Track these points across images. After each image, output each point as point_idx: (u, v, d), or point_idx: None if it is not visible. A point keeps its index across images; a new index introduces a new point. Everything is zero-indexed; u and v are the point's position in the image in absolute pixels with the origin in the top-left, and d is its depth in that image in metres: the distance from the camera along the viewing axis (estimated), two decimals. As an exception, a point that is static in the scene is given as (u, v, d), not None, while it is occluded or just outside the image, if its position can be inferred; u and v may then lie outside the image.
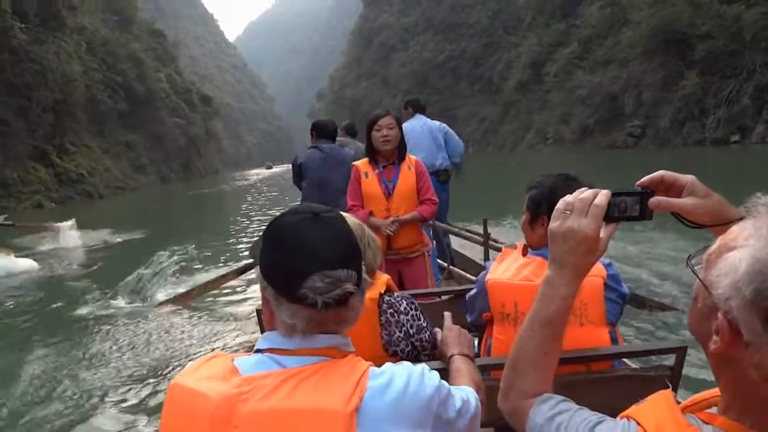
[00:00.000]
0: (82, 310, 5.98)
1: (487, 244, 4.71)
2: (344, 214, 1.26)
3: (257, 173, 66.36)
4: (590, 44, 47.53)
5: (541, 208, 1.65)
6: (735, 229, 0.69)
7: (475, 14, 76.57)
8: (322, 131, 4.62)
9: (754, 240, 0.63)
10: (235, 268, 5.96)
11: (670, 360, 1.59)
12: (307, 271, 0.88)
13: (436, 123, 5.19)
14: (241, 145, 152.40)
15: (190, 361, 4.11)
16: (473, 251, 5.26)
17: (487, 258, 4.63)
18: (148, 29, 64.29)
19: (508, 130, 61.12)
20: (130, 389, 3.82)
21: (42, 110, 28.54)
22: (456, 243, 5.36)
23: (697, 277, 0.71)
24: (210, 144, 76.94)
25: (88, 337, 5.08)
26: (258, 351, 0.95)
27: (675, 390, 1.49)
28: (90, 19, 45.73)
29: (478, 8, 75.56)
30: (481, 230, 4.98)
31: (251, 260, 4.78)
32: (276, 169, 69.20)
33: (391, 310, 1.55)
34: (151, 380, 3.95)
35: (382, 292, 1.57)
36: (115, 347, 4.73)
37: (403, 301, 1.59)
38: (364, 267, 1.00)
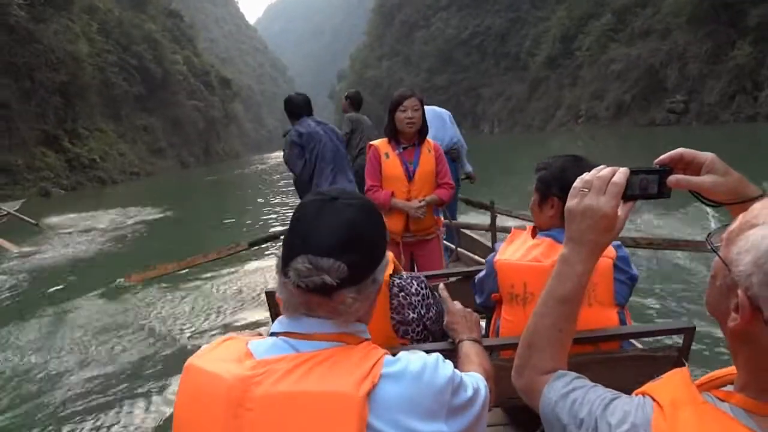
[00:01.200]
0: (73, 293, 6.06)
1: (494, 227, 4.69)
2: None
3: (277, 155, 65.31)
4: (626, 15, 44.48)
5: (551, 189, 1.64)
6: (757, 207, 0.69)
7: (500, -13, 73.92)
8: (299, 108, 4.26)
9: None
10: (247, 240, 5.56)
11: (678, 340, 1.56)
12: (295, 252, 0.90)
13: (442, 110, 5.09)
14: (263, 128, 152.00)
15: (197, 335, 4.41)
16: (480, 232, 5.16)
17: (494, 239, 4.63)
18: (164, 10, 62.89)
19: (536, 108, 58.74)
20: (140, 369, 3.92)
21: (48, 93, 27.28)
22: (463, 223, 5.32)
23: (717, 254, 0.70)
24: (230, 127, 75.90)
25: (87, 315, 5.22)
26: (273, 334, 0.96)
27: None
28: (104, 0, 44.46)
29: (504, -19, 72.72)
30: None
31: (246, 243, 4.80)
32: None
33: (403, 293, 1.53)
34: (161, 357, 4.10)
35: (391, 273, 1.53)
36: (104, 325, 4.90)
37: (413, 281, 1.57)
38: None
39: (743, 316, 0.65)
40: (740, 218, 0.70)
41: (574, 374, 0.89)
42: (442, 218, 3.51)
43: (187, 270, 5.36)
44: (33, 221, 11.05)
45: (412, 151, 3.12)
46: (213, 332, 4.58)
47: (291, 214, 1.00)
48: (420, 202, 3.08)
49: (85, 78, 30.80)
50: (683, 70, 34.89)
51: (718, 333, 0.69)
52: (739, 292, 0.65)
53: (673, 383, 0.75)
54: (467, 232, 5.24)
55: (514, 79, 68.37)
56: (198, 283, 6.16)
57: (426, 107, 4.87)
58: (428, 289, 1.58)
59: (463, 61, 77.62)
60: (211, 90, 63.73)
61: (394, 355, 0.93)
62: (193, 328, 4.75)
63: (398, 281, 1.54)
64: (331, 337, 0.92)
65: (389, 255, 1.51)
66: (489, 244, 4.71)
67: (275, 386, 0.86)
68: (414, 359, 0.91)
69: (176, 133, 52.57)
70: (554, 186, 1.61)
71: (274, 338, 0.95)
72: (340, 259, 0.89)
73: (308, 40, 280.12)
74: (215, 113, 62.67)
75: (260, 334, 1.03)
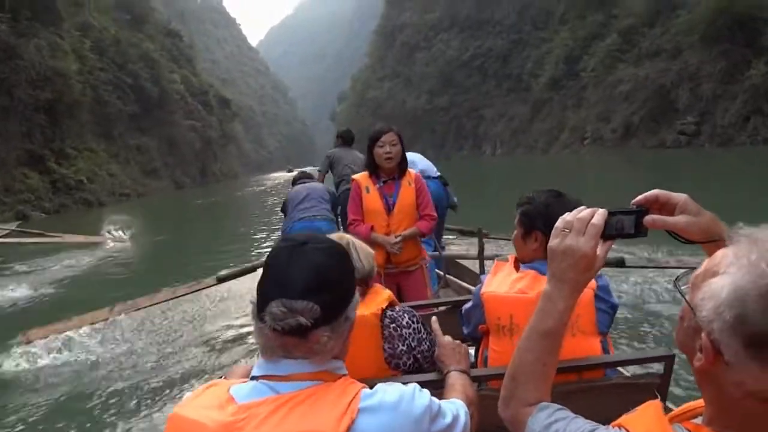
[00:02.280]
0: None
1: (482, 255, 4.64)
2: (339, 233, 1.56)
3: (277, 177, 64.19)
4: (632, 35, 43.53)
5: (535, 223, 1.70)
6: (719, 254, 0.74)
7: (501, 10, 74.39)
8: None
9: (735, 268, 0.69)
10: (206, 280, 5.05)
11: (659, 368, 1.62)
12: (269, 297, 0.93)
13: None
14: (263, 149, 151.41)
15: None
16: (468, 259, 5.12)
17: (482, 267, 4.61)
18: (163, 30, 62.33)
19: (539, 130, 57.73)
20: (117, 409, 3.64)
21: (31, 111, 25.94)
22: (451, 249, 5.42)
23: (684, 298, 0.76)
24: (228, 147, 74.79)
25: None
26: (254, 378, 0.98)
27: (665, 396, 1.58)
28: (99, 18, 43.58)
29: (505, 4, 73.08)
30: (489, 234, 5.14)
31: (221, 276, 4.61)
32: (296, 173, 66.16)
33: (394, 325, 1.59)
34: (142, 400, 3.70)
35: (385, 307, 1.60)
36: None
37: (405, 314, 1.63)
38: (353, 301, 1.01)
39: (707, 357, 0.70)
40: (705, 264, 0.75)
41: (556, 406, 0.92)
42: (428, 250, 3.46)
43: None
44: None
45: (392, 185, 3.16)
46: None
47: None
48: (396, 237, 3.10)
49: (73, 96, 29.51)
50: (695, 91, 33.67)
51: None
52: (703, 335, 0.70)
53: (646, 416, 0.79)
54: (455, 258, 5.20)
55: (516, 100, 67.78)
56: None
57: (410, 154, 4.38)
58: (420, 323, 1.65)
59: (465, 83, 77.33)
60: (209, 110, 62.78)
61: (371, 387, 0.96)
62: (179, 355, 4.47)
63: (390, 313, 1.60)
64: (309, 376, 0.94)
65: (387, 292, 1.66)
66: (477, 270, 4.69)
67: (257, 430, 0.88)
68: (390, 390, 0.95)
69: (171, 153, 51.34)
70: (538, 221, 1.63)
71: (254, 382, 0.96)
72: (313, 301, 0.92)
73: (310, 63, 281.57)
74: (212, 133, 61.57)
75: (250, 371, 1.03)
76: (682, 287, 0.78)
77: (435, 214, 3.22)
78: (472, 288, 3.65)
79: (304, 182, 5.06)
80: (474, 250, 5.03)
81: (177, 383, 3.93)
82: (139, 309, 4.46)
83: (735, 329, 0.66)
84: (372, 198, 3.13)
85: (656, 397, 1.54)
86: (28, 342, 4.27)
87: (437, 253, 4.09)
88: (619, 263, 3.72)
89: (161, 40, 59.08)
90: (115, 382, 4.04)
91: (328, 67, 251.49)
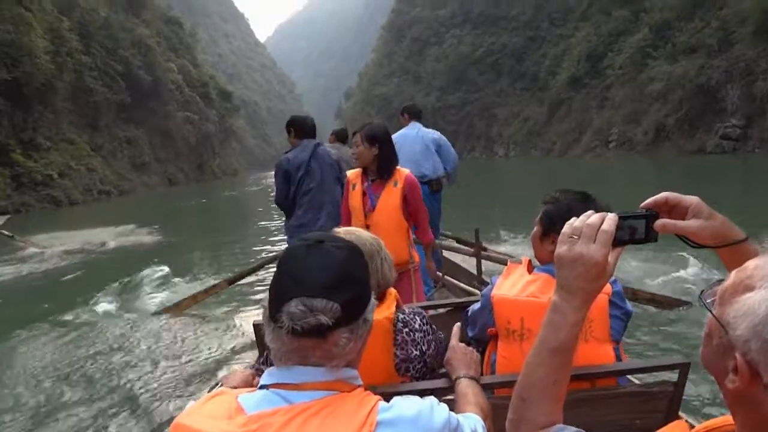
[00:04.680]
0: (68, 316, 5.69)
1: (479, 255, 4.54)
2: (357, 230, 1.55)
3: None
4: (666, 30, 39.91)
5: (555, 225, 1.64)
6: (750, 265, 0.69)
7: (517, 5, 71.18)
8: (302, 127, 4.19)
9: None
10: (225, 278, 5.75)
11: (673, 376, 1.59)
12: (288, 296, 0.89)
13: (431, 133, 5.05)
14: (269, 145, 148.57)
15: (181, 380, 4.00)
16: (464, 260, 5.00)
17: (479, 269, 4.51)
18: (162, 16, 59.10)
19: (556, 132, 54.34)
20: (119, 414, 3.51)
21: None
22: (446, 251, 5.24)
23: (712, 314, 0.71)
24: (228, 142, 71.56)
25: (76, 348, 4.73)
26: (263, 387, 0.93)
27: (678, 405, 1.56)
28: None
29: (520, -1, 69.53)
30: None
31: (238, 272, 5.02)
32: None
33: (407, 329, 1.52)
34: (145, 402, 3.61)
35: (395, 309, 1.54)
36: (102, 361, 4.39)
37: (417, 317, 1.57)
38: (371, 301, 0.97)
39: (742, 379, 0.65)
40: (733, 276, 0.70)
41: (573, 429, 0.87)
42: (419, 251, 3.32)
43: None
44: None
45: (380, 185, 3.07)
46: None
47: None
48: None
49: (42, 77, 26.14)
50: (747, 90, 30.01)
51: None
52: (737, 355, 0.65)
53: None
54: (451, 258, 5.08)
55: (531, 99, 64.60)
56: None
57: (416, 129, 4.93)
58: (429, 325, 1.59)
59: (477, 80, 74.28)
60: (208, 102, 59.57)
61: (386, 399, 0.93)
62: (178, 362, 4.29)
63: (402, 317, 1.53)
64: (324, 385, 0.90)
65: (392, 291, 1.57)
66: (473, 270, 4.60)
67: None
68: (408, 404, 0.92)
69: (165, 146, 48.19)
70: (558, 223, 1.56)
71: (264, 391, 0.92)
72: (333, 299, 0.88)
73: (318, 59, 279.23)
74: (211, 127, 58.28)
75: (254, 374, 0.99)
76: (708, 301, 0.72)
77: (426, 219, 3.18)
78: (469, 289, 4.06)
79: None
80: (471, 261, 4.78)
81: (171, 386, 3.87)
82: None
83: None
84: (355, 195, 3.10)
85: (669, 407, 1.51)
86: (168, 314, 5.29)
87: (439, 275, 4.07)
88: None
89: (159, 26, 55.96)
90: (102, 386, 3.96)
91: (336, 64, 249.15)
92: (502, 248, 6.74)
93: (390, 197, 2.99)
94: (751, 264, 0.68)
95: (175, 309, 5.39)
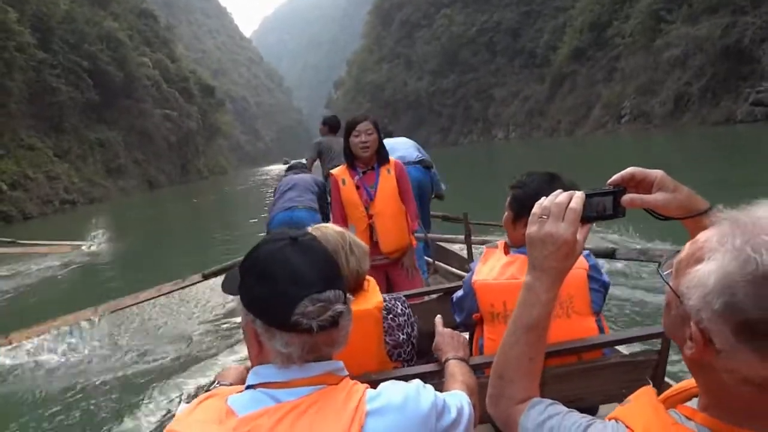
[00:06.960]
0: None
1: (469, 239, 4.59)
2: (323, 224, 1.54)
3: (268, 170, 57.67)
4: (680, -10, 36.51)
5: (524, 208, 1.68)
6: (701, 238, 0.71)
7: (509, -20, 67.08)
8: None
9: (720, 254, 0.67)
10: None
11: (657, 344, 1.63)
12: (297, 298, 0.88)
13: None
14: (259, 141, 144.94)
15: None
16: (454, 243, 5.09)
17: (470, 251, 4.60)
18: (134, 8, 55.27)
19: (560, 109, 51.17)
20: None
21: None
22: (437, 235, 5.21)
23: (669, 285, 0.74)
24: (213, 140, 68.00)
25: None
26: (249, 387, 0.92)
27: (663, 372, 1.60)
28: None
29: (513, -27, 66.00)
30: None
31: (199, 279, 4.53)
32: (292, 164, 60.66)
33: (391, 315, 1.57)
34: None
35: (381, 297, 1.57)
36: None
37: (397, 302, 1.63)
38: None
39: (697, 346, 0.68)
40: (687, 248, 0.73)
41: (548, 401, 0.90)
42: (416, 235, 3.37)
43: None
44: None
45: (372, 175, 3.10)
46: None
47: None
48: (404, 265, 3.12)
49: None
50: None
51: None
52: (692, 324, 0.69)
53: (642, 406, 0.77)
54: (442, 244, 5.14)
55: (531, 77, 61.43)
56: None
57: (392, 139, 4.75)
58: (409, 308, 1.67)
59: (471, 61, 70.87)
60: (189, 98, 55.98)
61: (373, 386, 0.95)
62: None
63: (385, 304, 1.56)
64: (312, 380, 0.91)
65: (371, 279, 1.59)
66: (464, 254, 4.69)
67: None
68: (394, 390, 0.93)
69: (142, 147, 44.71)
70: (528, 206, 1.60)
71: (252, 390, 0.91)
72: (336, 287, 0.91)
73: (305, 51, 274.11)
74: (192, 124, 54.70)
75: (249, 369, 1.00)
76: (665, 273, 0.76)
77: (414, 205, 3.22)
78: (461, 273, 3.91)
79: (297, 173, 5.04)
80: (461, 246, 4.86)
81: (162, 380, 3.93)
82: (123, 308, 4.66)
83: (724, 317, 0.65)
84: (348, 190, 3.08)
85: (655, 374, 1.57)
86: (10, 344, 4.41)
87: (422, 235, 3.97)
88: (609, 254, 3.58)
89: (131, 20, 52.12)
90: (98, 381, 4.05)
91: (324, 55, 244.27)
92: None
93: (387, 183, 3.07)
94: (702, 236, 0.71)
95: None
